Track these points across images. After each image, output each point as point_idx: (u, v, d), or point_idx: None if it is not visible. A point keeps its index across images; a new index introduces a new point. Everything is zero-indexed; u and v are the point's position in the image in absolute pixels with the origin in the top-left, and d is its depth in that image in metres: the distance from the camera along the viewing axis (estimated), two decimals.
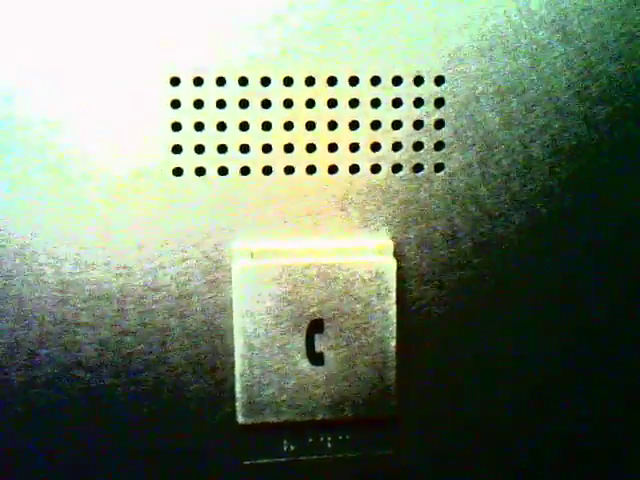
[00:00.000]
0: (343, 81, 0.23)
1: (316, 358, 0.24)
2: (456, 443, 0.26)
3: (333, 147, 0.24)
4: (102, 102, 0.22)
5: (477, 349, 0.25)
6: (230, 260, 0.24)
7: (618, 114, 0.24)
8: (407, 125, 0.24)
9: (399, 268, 0.24)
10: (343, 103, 0.23)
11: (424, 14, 0.23)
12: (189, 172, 0.23)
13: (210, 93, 0.23)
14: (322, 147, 0.24)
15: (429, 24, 0.23)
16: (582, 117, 0.24)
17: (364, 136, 0.24)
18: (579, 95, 0.24)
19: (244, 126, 0.23)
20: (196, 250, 0.24)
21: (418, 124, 0.24)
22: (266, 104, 0.23)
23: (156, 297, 0.24)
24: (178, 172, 0.23)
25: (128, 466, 0.24)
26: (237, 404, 0.24)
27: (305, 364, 0.24)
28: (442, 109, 0.24)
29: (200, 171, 0.23)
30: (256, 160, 0.23)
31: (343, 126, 0.24)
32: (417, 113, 0.24)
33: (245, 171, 0.23)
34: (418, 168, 0.24)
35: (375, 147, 0.24)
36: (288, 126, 0.23)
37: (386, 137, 0.24)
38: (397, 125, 0.24)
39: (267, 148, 0.23)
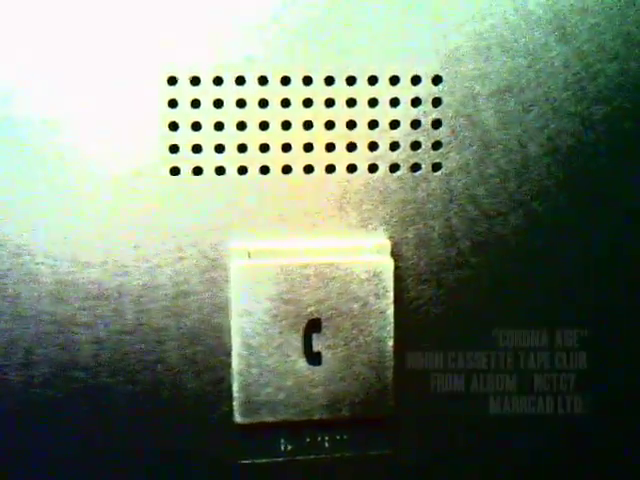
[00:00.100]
0: (341, 81, 0.23)
1: (314, 358, 0.24)
2: (454, 443, 0.26)
3: (330, 146, 0.24)
4: (100, 102, 0.22)
5: (475, 348, 0.25)
6: (227, 259, 0.24)
7: (615, 114, 0.24)
8: (404, 125, 0.24)
9: (397, 268, 0.24)
10: (340, 103, 0.23)
11: (421, 14, 0.23)
12: (186, 171, 0.23)
13: (207, 93, 0.23)
14: (319, 146, 0.24)
15: (427, 24, 0.23)
16: (579, 117, 0.24)
17: (362, 136, 0.24)
18: (576, 95, 0.24)
19: (241, 126, 0.23)
20: (193, 249, 0.24)
21: (415, 124, 0.24)
22: (263, 104, 0.23)
23: (153, 296, 0.24)
24: (175, 171, 0.23)
25: (125, 465, 0.24)
26: (234, 403, 0.24)
27: (303, 364, 0.24)
28: (439, 109, 0.24)
29: (197, 170, 0.23)
30: (253, 160, 0.23)
31: (341, 125, 0.24)
32: (414, 113, 0.24)
33: (242, 170, 0.23)
34: (416, 168, 0.24)
35: (373, 147, 0.24)
36: (286, 126, 0.23)
37: (383, 137, 0.24)
38: (395, 125, 0.24)
39: (264, 148, 0.23)
